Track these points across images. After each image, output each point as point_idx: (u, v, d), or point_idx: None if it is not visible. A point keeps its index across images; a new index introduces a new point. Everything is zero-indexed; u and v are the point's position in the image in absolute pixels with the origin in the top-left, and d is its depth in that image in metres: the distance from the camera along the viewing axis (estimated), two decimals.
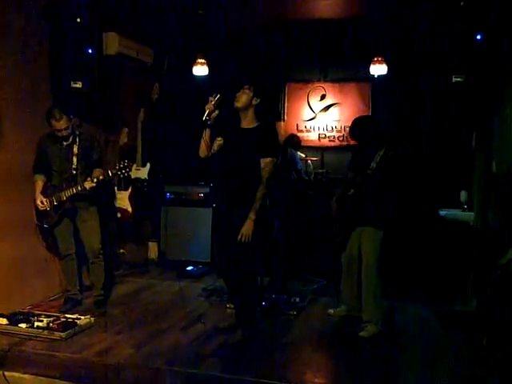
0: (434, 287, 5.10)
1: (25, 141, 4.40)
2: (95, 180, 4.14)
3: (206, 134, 3.79)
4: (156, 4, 5.45)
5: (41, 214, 4.29)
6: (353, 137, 4.39)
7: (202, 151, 3.84)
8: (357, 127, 4.26)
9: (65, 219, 4.35)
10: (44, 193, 4.24)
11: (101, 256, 4.46)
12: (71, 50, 4.63)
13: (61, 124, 4.14)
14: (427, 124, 6.05)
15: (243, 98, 3.76)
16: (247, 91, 3.77)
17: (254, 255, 3.73)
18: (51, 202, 4.21)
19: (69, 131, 4.24)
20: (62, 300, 4.54)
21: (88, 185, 4.13)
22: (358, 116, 4.64)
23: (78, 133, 4.35)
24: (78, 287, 4.58)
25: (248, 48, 6.55)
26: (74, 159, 4.28)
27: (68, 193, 4.18)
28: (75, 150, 4.28)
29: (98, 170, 4.32)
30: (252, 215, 3.62)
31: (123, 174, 4.25)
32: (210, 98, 3.75)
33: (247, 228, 3.61)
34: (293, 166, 6.06)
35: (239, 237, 3.60)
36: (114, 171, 4.21)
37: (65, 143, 4.30)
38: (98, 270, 4.47)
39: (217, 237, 3.93)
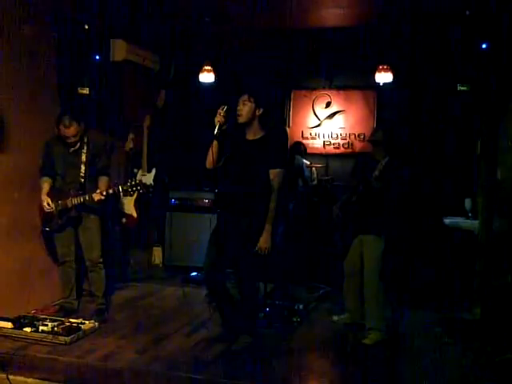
0: (438, 295, 5.08)
1: (30, 146, 4.42)
2: (104, 193, 4.11)
3: (214, 146, 3.67)
4: (163, 11, 5.49)
5: (45, 218, 4.29)
6: (373, 140, 4.23)
7: (209, 163, 3.74)
8: (383, 134, 4.16)
9: (67, 225, 4.33)
10: (50, 195, 4.24)
11: (100, 264, 4.41)
12: (79, 57, 4.67)
13: (70, 131, 4.15)
14: (432, 132, 6.06)
15: (246, 112, 3.62)
16: (248, 103, 3.61)
17: (255, 262, 3.68)
18: (56, 206, 4.22)
19: (77, 138, 4.24)
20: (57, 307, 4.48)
21: (96, 197, 4.11)
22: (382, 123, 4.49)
23: (86, 140, 4.33)
24: (75, 296, 4.51)
25: (254, 55, 6.58)
26: (82, 167, 4.27)
27: (75, 201, 4.17)
28: (83, 157, 4.27)
29: (103, 178, 4.31)
30: (268, 227, 3.57)
31: (134, 191, 4.13)
32: (219, 111, 3.61)
33: (265, 240, 3.57)
34: (300, 174, 6.06)
35: (259, 251, 3.55)
36: (126, 187, 4.10)
37: (72, 149, 4.30)
38: (97, 278, 4.42)
39: (213, 243, 3.82)
